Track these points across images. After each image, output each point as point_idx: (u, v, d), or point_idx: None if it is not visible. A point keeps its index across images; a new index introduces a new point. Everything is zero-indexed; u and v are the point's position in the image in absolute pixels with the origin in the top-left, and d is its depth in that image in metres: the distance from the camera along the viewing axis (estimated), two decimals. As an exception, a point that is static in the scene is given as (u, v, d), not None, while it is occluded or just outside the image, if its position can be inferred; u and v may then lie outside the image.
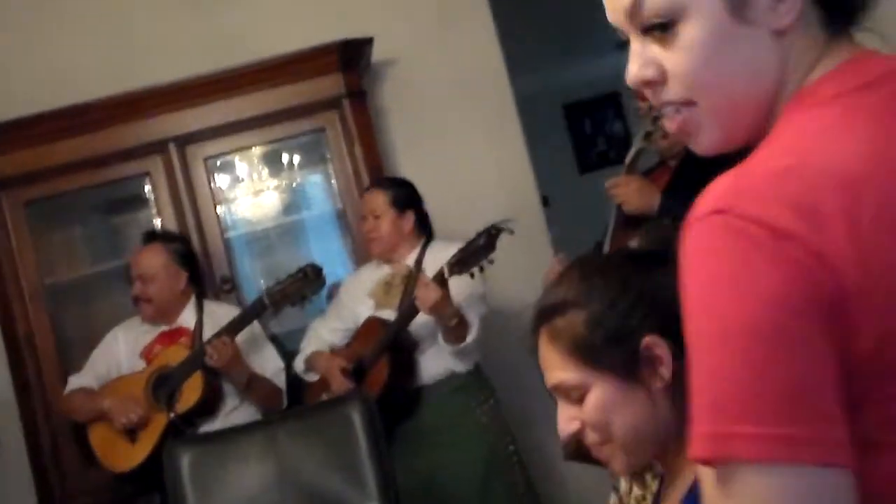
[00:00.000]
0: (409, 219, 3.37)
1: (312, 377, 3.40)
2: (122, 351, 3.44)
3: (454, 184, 4.14)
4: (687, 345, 0.85)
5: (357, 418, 2.68)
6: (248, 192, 4.19)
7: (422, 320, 3.16)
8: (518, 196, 4.23)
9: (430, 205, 3.55)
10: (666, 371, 1.23)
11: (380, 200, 3.37)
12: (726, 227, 0.82)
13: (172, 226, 3.79)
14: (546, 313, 1.32)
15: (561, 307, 1.30)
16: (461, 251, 3.03)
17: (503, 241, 3.92)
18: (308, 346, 3.46)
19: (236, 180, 4.19)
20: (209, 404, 3.29)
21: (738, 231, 0.81)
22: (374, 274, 3.42)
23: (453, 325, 3.07)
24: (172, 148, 3.80)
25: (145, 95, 3.77)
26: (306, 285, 3.32)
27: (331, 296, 3.70)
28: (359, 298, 3.39)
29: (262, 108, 3.79)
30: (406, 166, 4.09)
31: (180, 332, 3.41)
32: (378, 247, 3.38)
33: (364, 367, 3.26)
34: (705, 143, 0.98)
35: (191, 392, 3.26)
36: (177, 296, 3.43)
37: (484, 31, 4.27)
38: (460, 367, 3.28)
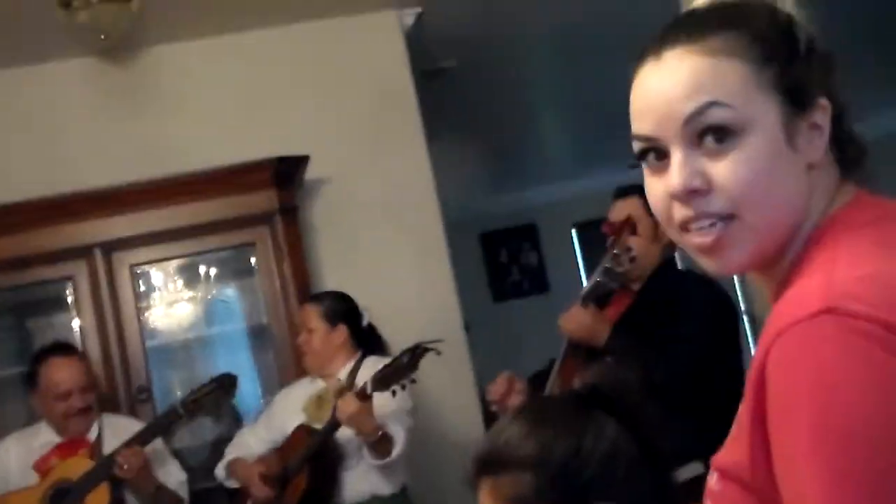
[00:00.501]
0: (341, 333, 3.37)
1: (232, 484, 3.34)
2: (12, 463, 3.31)
3: (380, 304, 4.13)
4: (783, 457, 0.86)
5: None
6: (169, 302, 4.14)
7: (350, 434, 3.13)
8: (442, 319, 4.27)
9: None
10: None
11: (312, 314, 3.39)
12: (839, 325, 0.84)
13: (92, 332, 3.72)
14: (491, 464, 1.28)
15: (507, 463, 1.26)
16: (385, 367, 3.05)
17: (428, 364, 3.97)
18: (231, 453, 3.41)
19: (158, 290, 4.14)
20: None
21: (852, 328, 0.83)
22: (308, 388, 3.40)
23: (375, 441, 3.05)
24: (98, 253, 3.76)
25: (75, 199, 3.75)
26: (220, 395, 3.34)
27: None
28: (291, 411, 3.36)
29: (192, 218, 3.79)
30: (333, 284, 4.11)
31: (79, 443, 3.31)
32: (309, 361, 3.40)
33: (288, 475, 3.21)
34: (735, 260, 0.99)
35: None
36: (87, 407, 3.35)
37: (417, 155, 4.37)
38: (385, 489, 3.24)
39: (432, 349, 3.04)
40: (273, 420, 3.42)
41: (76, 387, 3.29)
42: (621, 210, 2.93)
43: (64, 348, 3.43)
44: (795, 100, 0.97)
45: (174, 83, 4.27)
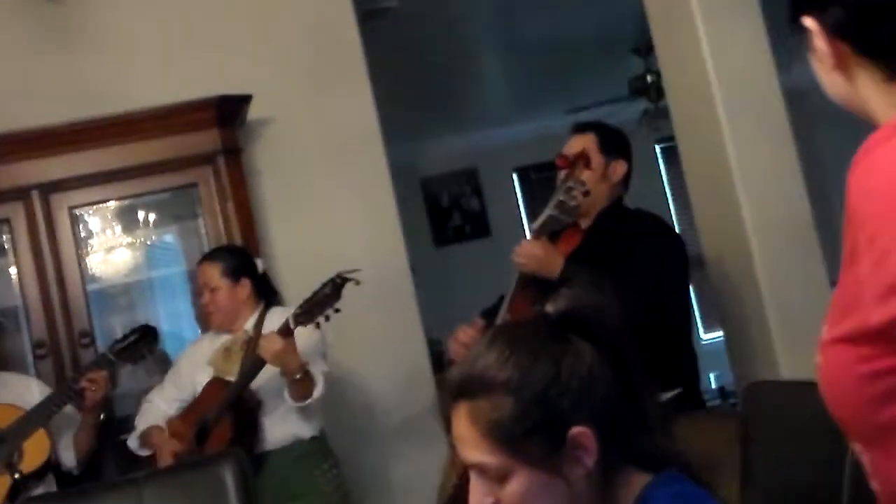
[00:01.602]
0: (246, 286, 3.32)
1: (146, 452, 3.30)
2: None
3: (324, 246, 4.12)
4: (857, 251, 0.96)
5: (230, 479, 2.60)
6: (110, 245, 4.06)
7: (266, 379, 3.11)
8: (389, 262, 4.25)
9: (300, 269, 3.52)
10: (590, 460, 1.24)
11: (214, 273, 3.31)
12: None
13: (31, 277, 3.63)
14: (469, 388, 1.28)
15: (486, 387, 1.26)
16: (306, 301, 3.00)
17: (376, 307, 3.95)
18: (142, 422, 3.35)
19: (98, 233, 4.05)
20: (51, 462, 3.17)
21: None
22: (214, 342, 3.36)
23: (298, 379, 3.03)
24: (35, 195, 3.65)
25: (10, 139, 3.62)
26: (143, 345, 3.32)
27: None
28: (198, 367, 3.32)
29: (134, 159, 3.70)
30: (277, 226, 4.07)
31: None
32: (217, 319, 3.33)
33: (207, 427, 3.18)
34: None
35: (35, 450, 3.11)
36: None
37: (361, 97, 4.30)
38: (305, 431, 3.24)
39: (352, 279, 3.00)
40: (180, 379, 3.38)
41: None
42: (576, 144, 2.95)
43: None
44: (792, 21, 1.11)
45: (112, 19, 4.13)
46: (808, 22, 1.07)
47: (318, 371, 3.12)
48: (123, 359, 3.29)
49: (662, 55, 3.69)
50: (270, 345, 2.97)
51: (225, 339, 3.32)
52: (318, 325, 2.98)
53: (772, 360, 3.27)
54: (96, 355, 3.35)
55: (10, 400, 3.19)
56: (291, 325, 2.96)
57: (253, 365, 3.07)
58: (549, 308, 1.33)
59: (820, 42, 1.07)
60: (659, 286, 2.76)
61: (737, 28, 3.32)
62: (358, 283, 2.99)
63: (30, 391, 3.26)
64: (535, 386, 1.25)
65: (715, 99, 3.28)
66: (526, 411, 1.24)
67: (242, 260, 3.39)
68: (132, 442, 3.34)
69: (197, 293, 3.42)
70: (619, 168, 2.99)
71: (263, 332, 3.17)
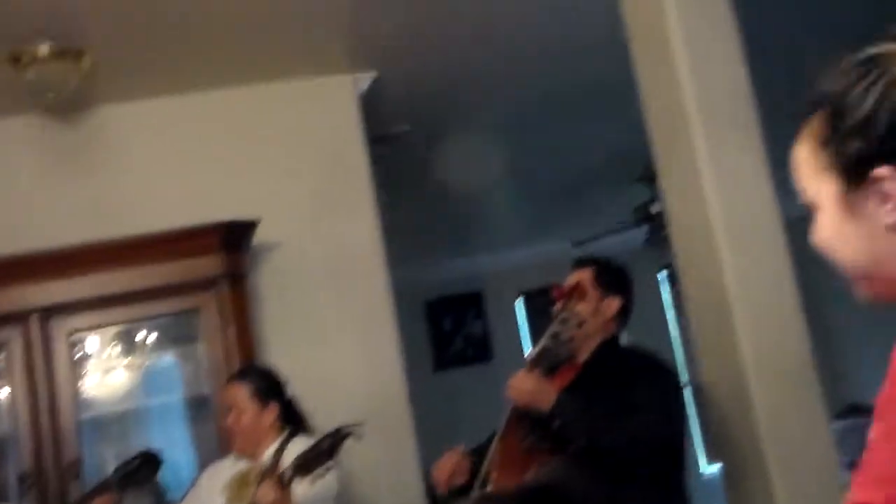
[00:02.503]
0: (273, 411, 3.26)
1: None
2: None
3: (324, 374, 4.08)
4: None
5: None
6: (108, 367, 4.01)
7: None
8: (386, 391, 4.21)
9: (298, 393, 3.46)
10: None
11: (242, 394, 3.25)
12: None
13: (23, 404, 3.57)
14: None
15: None
16: (305, 453, 2.94)
17: (371, 436, 3.87)
18: None
19: (96, 354, 4.00)
20: None
21: None
22: (234, 466, 3.28)
23: None
24: (34, 320, 3.61)
25: (13, 262, 3.60)
26: (146, 472, 3.25)
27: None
28: (215, 491, 3.25)
29: (138, 283, 3.68)
30: (277, 351, 4.02)
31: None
32: (240, 443, 3.26)
33: None
34: (860, 294, 1.15)
35: None
36: None
37: (366, 221, 4.33)
38: None
39: (353, 433, 2.95)
40: (198, 499, 3.31)
41: None
42: (574, 277, 2.97)
43: None
44: (850, 176, 1.07)
45: (122, 143, 4.18)
46: (885, 171, 1.04)
47: None
48: (127, 485, 3.19)
49: (665, 185, 3.71)
50: (265, 496, 2.89)
51: (243, 465, 3.25)
52: (314, 480, 2.91)
53: (769, 494, 3.20)
54: (101, 481, 3.24)
55: None
56: (287, 478, 2.91)
57: None
58: (528, 481, 1.30)
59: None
60: (650, 426, 2.72)
61: (738, 161, 3.33)
62: (361, 438, 2.95)
63: None
64: None
65: (715, 231, 3.27)
66: None
67: (272, 382, 3.33)
68: None
69: (225, 414, 3.32)
70: (613, 304, 2.99)
71: (283, 460, 3.09)
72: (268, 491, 2.89)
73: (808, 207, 1.14)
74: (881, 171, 1.03)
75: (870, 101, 1.03)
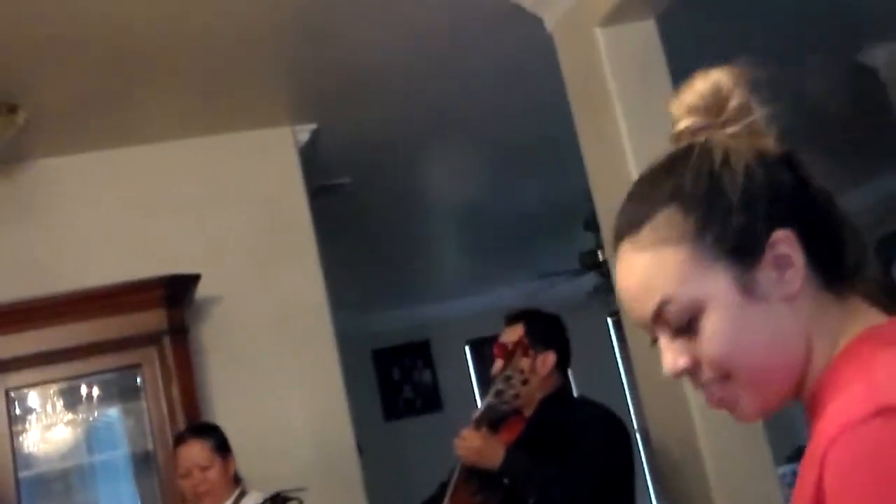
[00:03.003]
0: (231, 464, 3.24)
1: None
2: None
3: (271, 426, 4.05)
4: None
5: None
6: (49, 423, 3.94)
7: None
8: (334, 442, 4.17)
9: (246, 449, 3.43)
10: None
11: (204, 450, 3.18)
12: (893, 425, 0.84)
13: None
14: None
15: None
16: None
17: (320, 488, 3.83)
18: None
19: (37, 410, 3.93)
20: None
21: None
22: None
23: None
24: (-29, 377, 3.56)
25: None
26: None
27: None
28: None
29: (77, 339, 3.63)
30: (222, 407, 3.98)
31: None
32: (212, 501, 3.16)
33: None
34: (747, 412, 1.02)
35: None
36: None
37: (309, 271, 4.32)
38: None
39: (294, 498, 2.93)
40: None
41: None
42: (511, 333, 2.94)
43: None
44: (742, 255, 0.98)
45: (60, 197, 4.14)
46: (782, 234, 0.98)
47: None
48: None
49: (605, 235, 3.75)
50: None
51: None
52: None
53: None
54: None
55: None
56: None
57: None
58: None
59: (796, 256, 0.98)
60: (601, 477, 2.72)
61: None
62: (301, 502, 2.92)
63: None
64: None
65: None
66: None
67: (224, 436, 3.28)
68: None
69: (183, 475, 3.20)
70: (549, 359, 2.96)
71: None
72: None
73: (668, 328, 1.01)
74: (777, 234, 0.97)
75: (738, 172, 0.98)
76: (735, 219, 0.98)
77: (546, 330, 3.02)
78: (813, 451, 0.90)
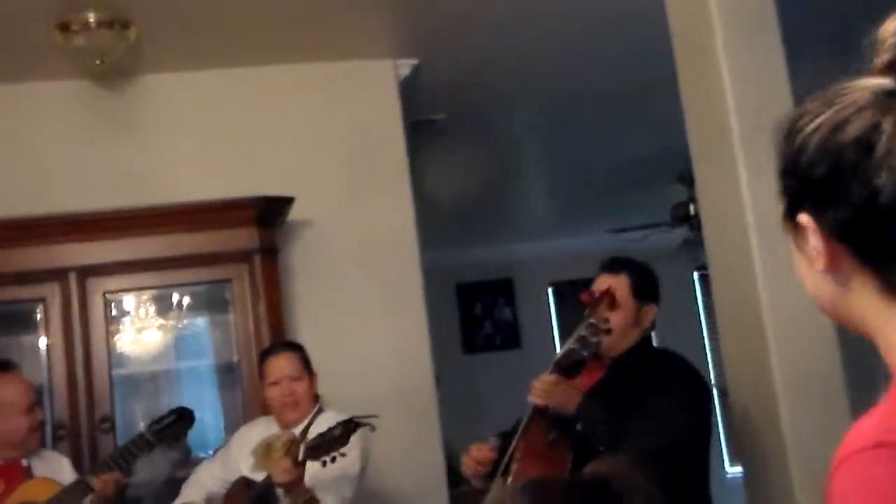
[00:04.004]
0: (315, 381, 3.32)
1: None
2: None
3: (352, 351, 4.14)
4: None
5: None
6: (142, 327, 4.10)
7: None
8: (413, 371, 4.25)
9: (325, 370, 3.51)
10: None
11: (296, 362, 3.27)
12: (890, 456, 0.89)
13: (59, 356, 3.67)
14: None
15: None
16: (318, 437, 2.98)
17: (396, 416, 3.92)
18: (185, 491, 3.35)
19: (131, 313, 4.09)
20: None
21: None
22: (267, 429, 3.33)
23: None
24: (73, 277, 3.71)
25: (54, 221, 3.71)
26: (181, 427, 3.29)
27: None
28: (243, 452, 3.30)
29: (171, 250, 3.77)
30: (306, 328, 4.08)
31: (15, 467, 3.22)
32: (299, 412, 3.25)
33: None
34: None
35: None
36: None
37: (401, 203, 4.38)
38: None
39: (366, 424, 2.98)
40: (229, 459, 3.37)
41: (35, 401, 3.23)
42: (605, 282, 2.94)
43: (7, 366, 3.30)
44: (787, 213, 1.02)
45: (163, 113, 4.26)
46: (804, 219, 0.97)
47: (332, 498, 3.07)
48: (162, 440, 3.24)
49: (701, 188, 3.71)
50: (278, 472, 2.95)
51: (273, 430, 3.29)
52: (323, 464, 2.95)
53: (790, 498, 3.20)
54: (136, 434, 3.28)
55: (47, 474, 3.18)
56: (300, 457, 2.95)
57: (267, 483, 3.05)
58: (586, 472, 1.27)
59: (815, 240, 0.97)
60: (676, 430, 2.72)
61: (775, 167, 3.34)
62: (373, 429, 2.97)
63: (62, 469, 3.25)
64: None
65: (750, 238, 3.27)
66: None
67: (308, 355, 3.36)
68: None
69: (272, 383, 3.28)
70: (651, 313, 2.96)
71: (310, 434, 3.11)
72: (282, 467, 2.95)
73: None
74: (802, 218, 0.98)
75: (811, 139, 0.95)
76: (785, 180, 1.02)
77: (650, 282, 3.02)
78: (834, 458, 0.95)
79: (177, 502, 3.35)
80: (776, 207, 2.97)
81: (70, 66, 3.94)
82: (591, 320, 2.80)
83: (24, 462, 3.22)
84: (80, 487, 3.12)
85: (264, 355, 3.39)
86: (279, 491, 3.06)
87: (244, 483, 3.21)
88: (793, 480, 3.20)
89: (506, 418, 3.17)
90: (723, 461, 7.90)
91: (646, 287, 2.98)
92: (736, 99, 3.29)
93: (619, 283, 2.92)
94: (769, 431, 3.29)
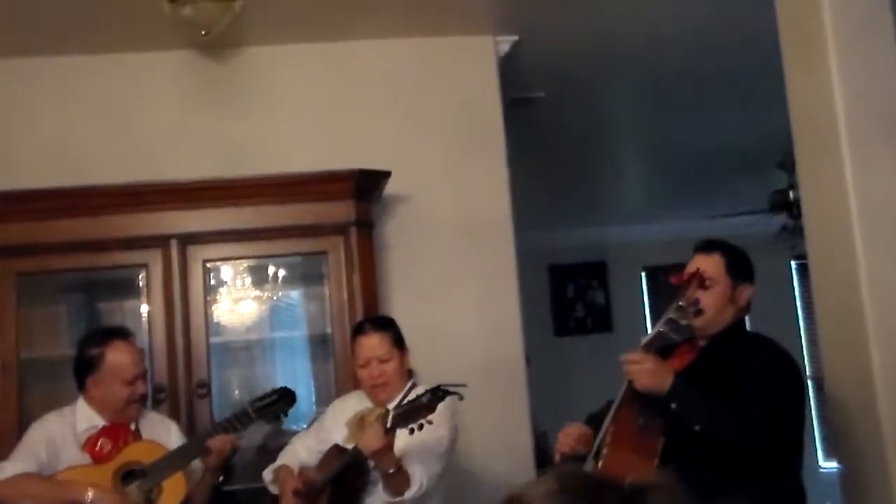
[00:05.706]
0: (407, 357, 3.34)
1: (275, 489, 3.35)
2: (58, 440, 3.23)
3: (443, 328, 4.16)
4: None
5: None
6: (236, 298, 4.19)
7: None
8: (504, 350, 4.26)
9: (417, 345, 3.54)
10: None
11: (386, 342, 3.28)
12: None
13: (159, 321, 3.77)
14: None
15: None
16: (406, 405, 2.99)
17: (486, 395, 3.93)
18: (281, 459, 3.42)
19: (228, 283, 4.18)
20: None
21: None
22: (358, 404, 3.38)
23: (391, 474, 3.02)
24: (175, 245, 3.80)
25: (157, 189, 3.80)
26: (282, 406, 3.34)
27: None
28: (338, 424, 3.35)
29: (270, 220, 3.83)
30: (400, 303, 4.12)
31: (123, 428, 3.31)
32: (390, 392, 3.27)
33: (314, 491, 3.21)
34: None
35: (173, 491, 3.17)
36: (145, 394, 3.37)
37: (497, 182, 4.37)
38: None
39: (454, 393, 2.97)
40: (322, 430, 3.42)
41: (140, 373, 3.32)
42: (698, 263, 2.91)
43: (126, 333, 3.36)
44: None
45: (265, 85, 4.32)
46: None
47: (422, 471, 3.07)
48: (262, 417, 3.31)
49: (803, 175, 3.63)
50: (368, 440, 2.98)
51: (366, 404, 3.33)
52: (411, 432, 2.95)
53: (888, 497, 3.12)
54: (239, 409, 3.33)
55: (153, 437, 3.27)
56: (388, 425, 2.98)
57: (356, 451, 3.09)
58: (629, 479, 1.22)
59: None
60: (770, 415, 2.67)
61: (882, 158, 3.24)
62: (461, 398, 2.97)
63: (169, 433, 3.33)
64: None
65: (853, 228, 3.19)
66: None
67: (400, 331, 3.37)
68: (267, 475, 3.39)
69: (362, 364, 3.29)
70: (746, 293, 2.92)
71: None
72: (372, 436, 2.98)
73: None
74: None
75: None
76: None
77: (745, 262, 2.98)
78: None
79: (271, 467, 3.42)
80: (880, 195, 2.90)
81: (176, 36, 4.03)
82: (680, 302, 2.77)
83: (133, 425, 3.30)
84: (196, 447, 3.22)
85: (355, 333, 3.41)
86: (370, 463, 3.11)
87: (337, 450, 3.26)
88: (891, 474, 3.12)
89: (594, 402, 3.15)
90: (816, 455, 7.75)
91: (741, 266, 2.94)
92: (843, 86, 3.20)
93: (713, 262, 2.89)
94: (867, 423, 3.21)
